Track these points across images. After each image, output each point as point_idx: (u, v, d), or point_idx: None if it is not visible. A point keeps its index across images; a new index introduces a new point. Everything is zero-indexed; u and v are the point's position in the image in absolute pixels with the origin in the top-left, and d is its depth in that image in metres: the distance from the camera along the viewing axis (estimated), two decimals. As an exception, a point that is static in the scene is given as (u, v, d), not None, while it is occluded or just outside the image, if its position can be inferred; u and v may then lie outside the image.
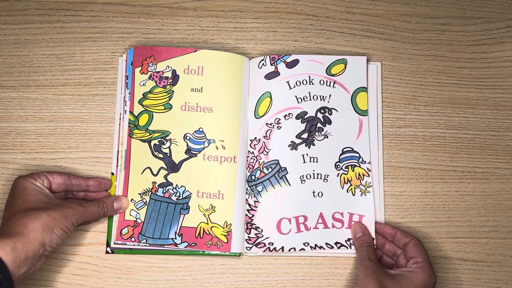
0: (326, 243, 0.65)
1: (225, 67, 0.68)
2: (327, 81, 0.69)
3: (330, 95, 0.68)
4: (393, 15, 0.72)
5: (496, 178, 0.69)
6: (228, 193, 0.66)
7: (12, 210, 0.56)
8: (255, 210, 0.66)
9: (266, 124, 0.68)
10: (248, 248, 0.65)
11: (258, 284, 0.66)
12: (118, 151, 0.67)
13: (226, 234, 0.65)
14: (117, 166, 0.66)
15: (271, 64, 0.69)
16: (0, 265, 0.50)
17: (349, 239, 0.65)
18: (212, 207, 0.66)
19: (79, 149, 0.68)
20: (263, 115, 0.68)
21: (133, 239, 0.65)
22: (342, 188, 0.66)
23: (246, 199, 0.67)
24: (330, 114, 0.68)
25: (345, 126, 0.68)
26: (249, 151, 0.68)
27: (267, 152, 0.67)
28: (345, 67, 0.69)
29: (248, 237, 0.65)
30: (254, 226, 0.65)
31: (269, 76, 0.68)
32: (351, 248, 0.65)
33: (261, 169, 0.67)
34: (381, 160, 0.68)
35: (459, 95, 0.70)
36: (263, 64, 0.69)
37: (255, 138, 0.68)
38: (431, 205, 0.68)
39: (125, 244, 0.65)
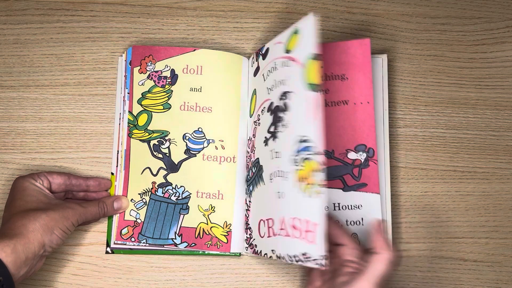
0: (288, 254, 0.54)
1: (224, 67, 0.68)
2: (285, 61, 0.58)
3: (288, 76, 0.57)
4: (393, 15, 0.72)
5: (496, 178, 0.68)
6: (227, 193, 0.66)
7: (12, 211, 0.56)
8: (249, 210, 0.65)
9: (253, 122, 0.65)
10: (247, 248, 0.65)
11: (258, 284, 0.66)
12: (118, 151, 0.67)
13: (226, 234, 0.65)
14: (117, 166, 0.66)
15: (256, 60, 0.66)
16: (0, 266, 0.50)
17: (304, 253, 0.52)
18: (211, 207, 0.66)
19: (79, 149, 0.68)
20: (253, 114, 0.66)
21: (133, 239, 0.65)
22: (299, 187, 0.54)
23: (246, 199, 0.66)
24: (286, 99, 0.57)
25: (300, 110, 0.55)
26: (246, 151, 0.67)
27: (254, 151, 0.64)
28: (299, 37, 0.56)
29: (247, 237, 0.65)
30: (248, 226, 0.65)
31: (255, 73, 0.66)
32: (306, 263, 0.52)
33: (251, 168, 0.65)
34: (387, 155, 0.66)
35: (459, 95, 0.70)
36: (252, 62, 0.68)
37: (249, 137, 0.67)
38: (431, 205, 0.68)
39: (125, 244, 0.65)
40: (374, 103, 0.65)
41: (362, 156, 0.63)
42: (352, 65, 0.64)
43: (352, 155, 0.64)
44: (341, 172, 0.64)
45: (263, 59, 0.64)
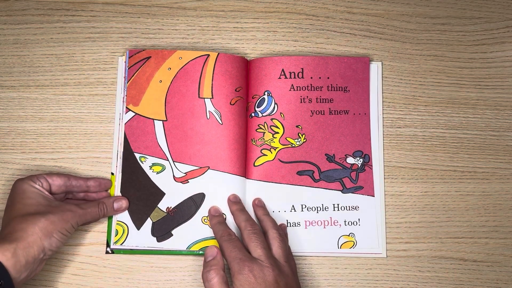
0: None
1: None
2: None
3: None
4: (393, 15, 0.72)
5: (496, 178, 0.68)
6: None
7: (11, 214, 0.56)
8: None
9: None
10: None
11: (258, 284, 0.66)
12: (118, 151, 0.67)
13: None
14: (116, 166, 0.66)
15: None
16: (1, 270, 0.50)
17: None
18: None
19: (79, 149, 0.68)
20: None
21: (133, 239, 0.65)
22: None
23: None
24: None
25: None
26: None
27: None
28: None
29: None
30: None
31: None
32: None
33: None
34: (381, 160, 0.68)
35: (459, 95, 0.70)
36: None
37: None
38: (431, 205, 0.68)
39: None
40: (370, 108, 0.69)
41: (359, 161, 0.68)
42: (354, 80, 0.69)
43: (350, 160, 0.68)
44: (341, 175, 0.68)
45: None
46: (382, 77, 0.70)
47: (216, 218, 0.63)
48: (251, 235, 0.59)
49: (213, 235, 0.64)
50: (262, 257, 0.57)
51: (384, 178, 0.68)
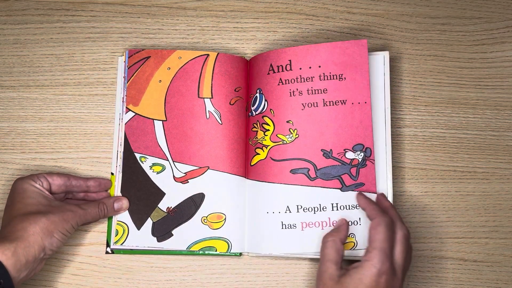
0: None
1: None
2: None
3: None
4: (393, 15, 0.72)
5: (496, 178, 0.68)
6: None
7: (12, 213, 0.56)
8: None
9: None
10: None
11: (258, 284, 0.66)
12: (117, 151, 0.67)
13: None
14: (116, 166, 0.66)
15: None
16: (1, 269, 0.50)
17: None
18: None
19: (79, 149, 0.68)
20: None
21: (133, 239, 0.65)
22: None
23: None
24: None
25: None
26: None
27: None
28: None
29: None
30: None
31: None
32: None
33: None
34: (389, 154, 0.65)
35: (459, 95, 0.70)
36: None
37: None
38: (431, 205, 0.68)
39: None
40: (375, 101, 0.65)
41: (359, 156, 0.64)
42: (350, 65, 0.65)
43: (350, 155, 0.64)
44: (339, 172, 0.64)
45: None
46: (390, 67, 0.67)
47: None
48: (403, 240, 0.56)
49: (213, 236, 0.64)
50: (399, 267, 0.55)
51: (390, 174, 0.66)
